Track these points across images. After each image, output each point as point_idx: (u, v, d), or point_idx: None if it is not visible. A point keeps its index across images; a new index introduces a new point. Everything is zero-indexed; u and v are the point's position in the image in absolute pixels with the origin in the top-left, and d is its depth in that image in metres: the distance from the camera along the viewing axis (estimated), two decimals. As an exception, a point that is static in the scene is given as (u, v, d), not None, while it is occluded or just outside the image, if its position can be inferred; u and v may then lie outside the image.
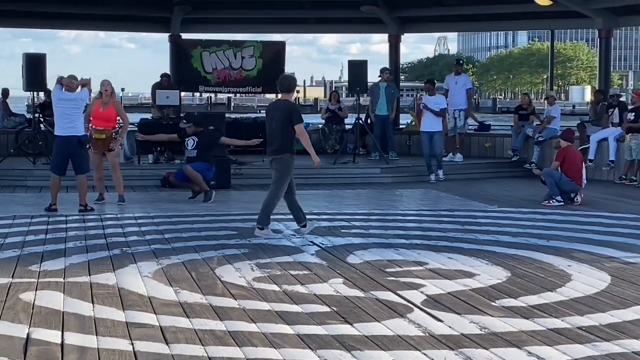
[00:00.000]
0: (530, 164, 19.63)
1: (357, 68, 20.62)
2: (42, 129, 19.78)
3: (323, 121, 22.81)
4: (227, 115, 24.09)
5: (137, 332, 6.61)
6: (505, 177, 19.64)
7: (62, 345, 6.30)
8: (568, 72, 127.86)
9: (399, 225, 12.45)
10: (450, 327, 6.82)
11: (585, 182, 15.19)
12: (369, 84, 21.21)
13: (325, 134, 22.09)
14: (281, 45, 23.95)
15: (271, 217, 11.42)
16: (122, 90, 22.43)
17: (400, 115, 23.72)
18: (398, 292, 8.03)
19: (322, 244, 10.71)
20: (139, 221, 12.61)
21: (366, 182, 18.35)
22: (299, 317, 7.13)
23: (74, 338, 6.45)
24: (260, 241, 10.87)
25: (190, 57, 23.09)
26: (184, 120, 15.86)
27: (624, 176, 18.47)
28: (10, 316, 7.10)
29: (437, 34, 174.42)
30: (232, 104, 77.15)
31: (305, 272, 8.99)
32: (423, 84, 20.80)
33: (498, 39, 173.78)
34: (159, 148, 19.02)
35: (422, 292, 8.03)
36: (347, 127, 22.19)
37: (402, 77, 46.18)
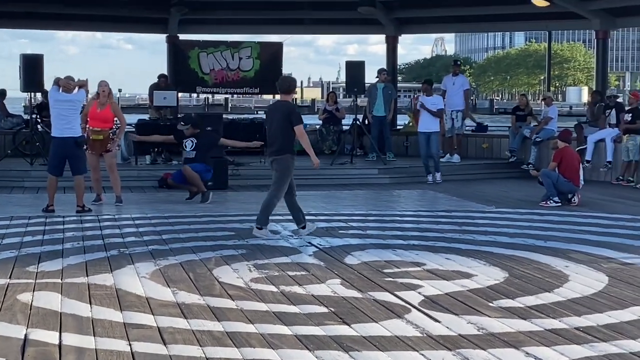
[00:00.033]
0: (528, 165, 19.65)
1: (355, 69, 20.63)
2: (40, 129, 19.78)
3: (320, 122, 22.80)
4: (224, 116, 24.08)
5: (135, 333, 6.61)
6: (503, 178, 19.64)
7: (59, 346, 6.30)
8: (565, 73, 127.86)
9: (397, 226, 12.46)
10: (447, 327, 6.83)
11: (582, 183, 15.20)
12: (366, 84, 21.21)
13: (323, 135, 22.08)
14: (278, 46, 23.94)
15: (270, 217, 11.43)
16: (119, 91, 22.40)
17: (398, 116, 23.70)
18: (396, 292, 8.04)
19: (320, 245, 10.71)
20: (137, 222, 12.61)
21: (364, 183, 18.35)
22: (296, 317, 7.13)
23: (71, 339, 6.45)
24: (257, 242, 10.87)
25: (187, 58, 23.07)
26: (182, 122, 15.85)
27: (621, 177, 18.48)
28: (8, 317, 7.09)
29: (434, 35, 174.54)
30: (230, 105, 77.07)
31: (303, 273, 8.99)
32: (420, 85, 20.79)
33: (495, 40, 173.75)
34: (156, 149, 19.00)
35: (419, 293, 8.04)
36: (345, 128, 22.18)
37: (399, 78, 46.18)
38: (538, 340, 6.49)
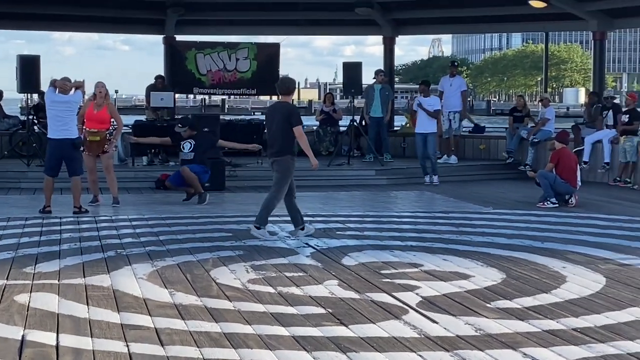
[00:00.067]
0: (525, 166, 19.66)
1: (352, 70, 20.63)
2: (36, 130, 19.75)
3: (317, 123, 22.80)
4: (221, 117, 24.08)
5: (132, 334, 6.60)
6: (500, 179, 19.65)
7: (57, 347, 6.29)
8: (562, 74, 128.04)
9: (394, 227, 12.45)
10: (445, 328, 6.82)
11: (579, 184, 15.21)
12: (363, 86, 21.22)
13: (320, 136, 22.07)
14: (276, 47, 23.94)
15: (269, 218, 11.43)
16: (116, 92, 22.36)
17: (395, 117, 23.71)
18: (393, 293, 8.03)
19: (317, 246, 10.70)
20: (134, 223, 12.60)
21: (361, 184, 18.34)
22: (294, 318, 7.12)
23: (69, 340, 6.44)
24: (255, 243, 10.87)
25: (184, 59, 23.07)
26: (179, 125, 15.82)
27: (618, 178, 18.49)
28: (5, 318, 7.08)
29: (431, 36, 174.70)
30: (226, 106, 77.05)
31: (301, 274, 8.99)
32: (417, 86, 20.79)
33: (492, 41, 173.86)
34: (153, 150, 19.00)
35: (417, 294, 8.04)
36: (342, 129, 22.18)
37: (396, 79, 46.19)
38: (535, 341, 6.48)
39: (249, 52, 23.07)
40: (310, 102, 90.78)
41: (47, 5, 22.81)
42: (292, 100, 12.59)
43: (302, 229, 11.38)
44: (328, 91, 38.38)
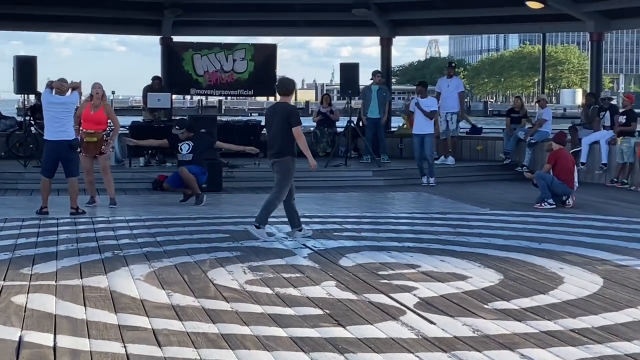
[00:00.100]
0: (522, 167, 19.67)
1: (349, 71, 20.65)
2: (33, 131, 19.74)
3: (315, 124, 22.80)
4: (218, 118, 24.06)
5: (130, 335, 6.59)
6: (497, 180, 19.66)
7: (54, 348, 6.28)
8: (559, 75, 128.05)
9: (391, 228, 12.45)
10: (443, 329, 6.82)
11: (577, 185, 15.22)
12: (360, 87, 21.22)
13: (317, 137, 22.06)
14: (273, 48, 23.93)
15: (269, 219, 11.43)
16: (113, 93, 22.34)
17: (392, 118, 23.71)
18: (391, 294, 8.03)
19: (315, 247, 10.70)
20: (131, 224, 12.59)
21: (358, 185, 18.34)
22: (291, 319, 7.12)
23: (66, 341, 6.43)
24: (252, 244, 10.86)
25: (181, 59, 23.05)
26: (177, 127, 15.79)
27: (615, 179, 18.50)
28: (2, 319, 7.07)
29: (428, 37, 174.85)
30: (223, 107, 77.04)
31: (298, 275, 8.98)
32: (415, 87, 20.80)
33: (489, 42, 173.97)
34: (150, 151, 18.99)
35: (414, 295, 8.03)
36: (339, 130, 22.18)
37: (393, 80, 46.22)
38: (533, 342, 6.48)
39: (246, 53, 23.06)
40: (307, 103, 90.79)
41: (44, 6, 22.81)
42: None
43: (300, 230, 11.38)
44: (325, 92, 38.38)
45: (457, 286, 8.45)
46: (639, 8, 20.73)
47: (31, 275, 8.89)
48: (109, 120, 14.66)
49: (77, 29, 28.14)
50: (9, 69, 18.65)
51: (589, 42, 23.43)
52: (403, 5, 23.75)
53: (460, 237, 11.59)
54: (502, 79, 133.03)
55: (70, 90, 13.71)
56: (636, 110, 19.09)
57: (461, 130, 22.24)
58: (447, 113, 20.83)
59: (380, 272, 9.12)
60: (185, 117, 20.29)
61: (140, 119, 22.25)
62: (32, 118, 20.35)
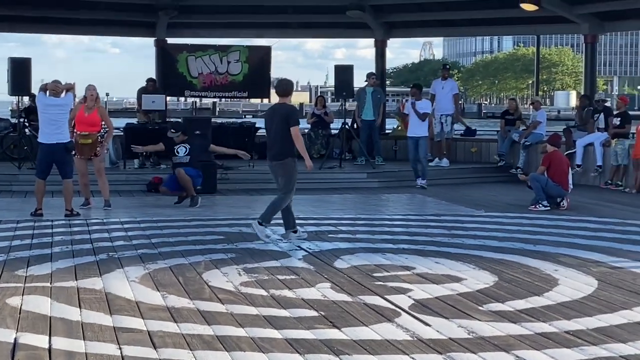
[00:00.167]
0: (517, 169, 19.68)
1: (343, 73, 20.64)
2: (27, 133, 19.70)
3: (309, 126, 22.79)
4: (212, 120, 24.05)
5: (125, 337, 6.59)
6: (492, 182, 19.67)
7: (49, 350, 6.28)
8: (553, 78, 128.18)
9: (386, 230, 12.46)
10: (438, 331, 6.83)
11: (571, 187, 15.23)
12: (355, 88, 21.23)
13: (312, 139, 22.05)
14: (267, 50, 23.90)
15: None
16: (107, 95, 22.39)
17: (387, 120, 23.71)
18: (386, 296, 8.04)
19: (309, 249, 10.70)
20: (126, 226, 12.58)
21: (352, 187, 18.35)
22: (286, 321, 7.12)
23: (61, 343, 6.43)
24: (247, 246, 10.87)
25: (176, 61, 23.01)
26: (172, 130, 15.76)
27: (609, 181, 18.54)
28: (-3, 321, 7.07)
29: (422, 39, 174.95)
30: (217, 109, 77.06)
31: (293, 277, 8.99)
32: (409, 89, 20.80)
33: (483, 44, 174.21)
34: (144, 153, 18.95)
35: (409, 297, 8.04)
36: (334, 132, 22.18)
37: (387, 82, 46.23)
38: (528, 343, 6.49)
39: (240, 55, 23.03)
40: (301, 105, 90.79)
41: (38, 8, 22.77)
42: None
43: (295, 231, 11.39)
44: (319, 94, 38.40)
45: (452, 288, 8.46)
46: (633, 10, 20.79)
47: (26, 277, 8.89)
48: (102, 122, 14.65)
49: (71, 31, 27.97)
50: (3, 71, 18.64)
51: (583, 44, 23.48)
52: (397, 7, 23.76)
53: (455, 239, 11.60)
54: (496, 81, 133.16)
55: (64, 92, 13.70)
56: (630, 113, 19.13)
57: (455, 132, 22.25)
58: (441, 115, 20.85)
59: (375, 274, 9.13)
60: (179, 120, 20.27)
61: (134, 120, 22.22)
62: (26, 120, 20.32)
